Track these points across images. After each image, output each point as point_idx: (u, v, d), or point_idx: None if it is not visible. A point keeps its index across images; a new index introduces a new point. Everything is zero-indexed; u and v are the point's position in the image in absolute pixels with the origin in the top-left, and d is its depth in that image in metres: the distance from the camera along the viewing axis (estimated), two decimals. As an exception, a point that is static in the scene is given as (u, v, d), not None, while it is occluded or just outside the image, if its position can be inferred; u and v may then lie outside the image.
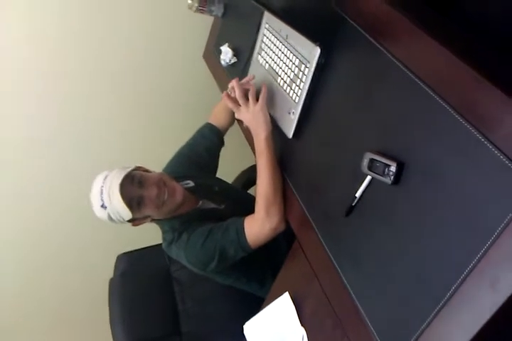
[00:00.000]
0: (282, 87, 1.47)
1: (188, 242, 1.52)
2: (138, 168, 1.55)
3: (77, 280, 2.69)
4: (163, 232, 1.62)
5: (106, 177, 1.44)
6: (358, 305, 1.11)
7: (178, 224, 1.57)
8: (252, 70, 1.68)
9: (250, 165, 1.99)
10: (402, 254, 1.01)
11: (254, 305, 1.68)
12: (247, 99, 1.47)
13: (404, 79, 1.04)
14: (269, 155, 1.44)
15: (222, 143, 1.83)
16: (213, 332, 1.87)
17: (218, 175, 1.89)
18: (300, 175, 1.41)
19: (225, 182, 1.90)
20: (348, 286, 1.15)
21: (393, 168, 1.03)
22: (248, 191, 2.07)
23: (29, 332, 2.74)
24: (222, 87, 1.98)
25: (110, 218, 1.45)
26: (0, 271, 2.60)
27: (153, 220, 1.58)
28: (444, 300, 0.90)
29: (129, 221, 1.48)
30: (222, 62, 1.90)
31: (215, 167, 1.86)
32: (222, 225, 1.50)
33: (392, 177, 1.03)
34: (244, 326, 1.52)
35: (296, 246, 1.39)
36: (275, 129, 1.47)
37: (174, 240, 1.56)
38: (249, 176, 2.06)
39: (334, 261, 1.20)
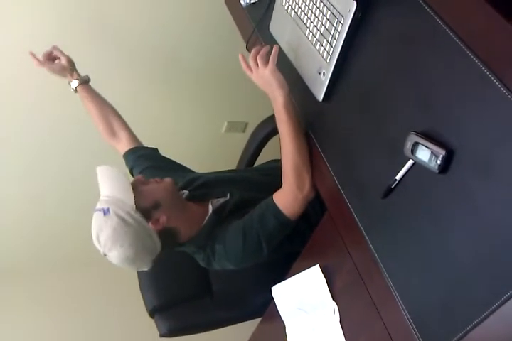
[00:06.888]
0: (311, 42, 1.31)
1: (227, 251, 1.43)
2: None
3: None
4: (193, 254, 1.52)
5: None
6: (395, 291, 1.07)
7: (202, 240, 1.46)
8: (276, 16, 1.51)
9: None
10: (445, 252, 0.94)
11: (283, 261, 1.66)
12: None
13: (457, 52, 0.90)
14: (292, 123, 1.33)
15: None
16: (243, 291, 1.86)
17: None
18: (331, 144, 1.30)
19: (209, 172, 1.74)
20: (384, 270, 1.10)
21: (441, 156, 0.93)
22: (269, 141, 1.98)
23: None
24: (244, 34, 1.80)
25: (123, 221, 1.30)
26: (11, 224, 2.57)
27: (175, 246, 1.48)
28: (493, 307, 0.85)
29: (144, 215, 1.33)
30: (242, 2, 1.72)
31: None
32: (251, 216, 1.42)
33: (439, 165, 0.94)
34: (273, 288, 1.52)
35: (327, 218, 1.33)
36: (303, 88, 1.35)
37: (210, 257, 1.46)
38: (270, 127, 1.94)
39: (369, 241, 1.14)
